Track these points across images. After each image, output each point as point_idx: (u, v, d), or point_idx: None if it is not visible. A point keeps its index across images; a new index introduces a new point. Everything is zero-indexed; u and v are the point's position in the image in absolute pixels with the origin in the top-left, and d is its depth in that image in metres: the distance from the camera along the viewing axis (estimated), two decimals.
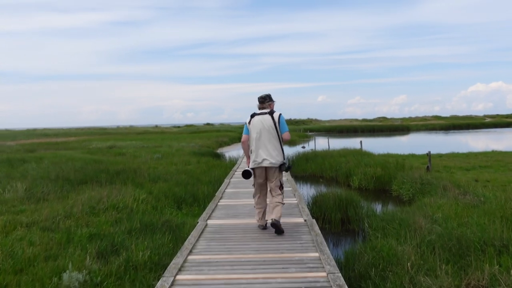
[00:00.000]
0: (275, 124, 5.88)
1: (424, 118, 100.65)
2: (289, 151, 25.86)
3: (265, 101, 6.07)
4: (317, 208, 9.51)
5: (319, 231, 5.83)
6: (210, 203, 8.47)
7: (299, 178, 16.26)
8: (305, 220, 6.62)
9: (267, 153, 5.84)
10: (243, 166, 14.43)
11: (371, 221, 7.88)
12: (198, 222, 6.61)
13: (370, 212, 8.69)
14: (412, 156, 21.33)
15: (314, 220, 6.53)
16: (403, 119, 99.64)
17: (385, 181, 13.00)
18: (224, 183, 10.91)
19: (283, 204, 6.04)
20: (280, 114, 5.97)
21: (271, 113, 5.96)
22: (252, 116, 6.02)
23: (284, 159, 5.99)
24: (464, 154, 21.47)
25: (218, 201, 8.63)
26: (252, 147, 5.95)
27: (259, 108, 6.09)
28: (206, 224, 6.48)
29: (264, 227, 6.20)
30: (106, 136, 49.94)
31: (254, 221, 6.51)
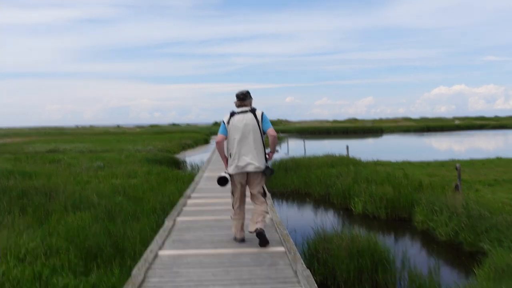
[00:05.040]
0: (258, 124, 5.30)
1: (394, 120, 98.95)
2: None
3: (246, 98, 5.44)
4: (321, 266, 5.77)
5: None
6: None
7: (278, 195, 12.49)
8: None
9: (252, 156, 5.20)
10: (201, 186, 10.43)
11: None
12: None
13: (422, 281, 4.97)
14: (409, 163, 17.94)
15: None
16: (373, 121, 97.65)
17: (400, 206, 9.34)
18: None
19: (268, 213, 5.46)
20: (262, 112, 5.41)
21: (253, 110, 5.38)
22: (232, 114, 5.38)
23: (266, 161, 5.34)
24: (468, 162, 18.17)
25: None
26: (233, 150, 5.27)
27: (238, 106, 5.45)
28: None
29: (242, 240, 5.34)
30: (59, 137, 45.16)
31: None
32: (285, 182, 13.33)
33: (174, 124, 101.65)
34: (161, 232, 5.62)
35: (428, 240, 7.80)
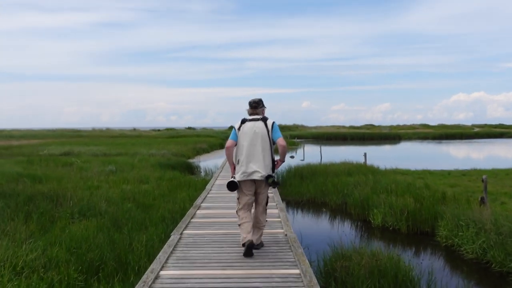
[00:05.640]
0: (268, 132, 5.30)
1: (412, 126, 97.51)
2: None
3: (258, 106, 5.47)
4: (338, 286, 5.33)
5: None
6: None
7: (293, 204, 12.05)
8: None
9: (259, 164, 5.18)
10: (212, 194, 10.02)
11: None
12: None
13: None
14: (429, 172, 17.35)
15: None
16: (391, 127, 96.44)
17: (422, 219, 8.82)
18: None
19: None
20: (274, 122, 5.43)
21: (264, 119, 5.39)
22: (243, 121, 5.40)
23: (273, 171, 5.29)
24: (491, 172, 17.46)
25: None
26: (241, 157, 5.26)
27: (250, 114, 5.47)
28: None
29: (250, 252, 4.98)
30: (76, 139, 45.26)
31: None
32: (300, 190, 12.88)
33: (190, 128, 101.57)
34: (166, 248, 5.17)
35: (453, 257, 7.28)
